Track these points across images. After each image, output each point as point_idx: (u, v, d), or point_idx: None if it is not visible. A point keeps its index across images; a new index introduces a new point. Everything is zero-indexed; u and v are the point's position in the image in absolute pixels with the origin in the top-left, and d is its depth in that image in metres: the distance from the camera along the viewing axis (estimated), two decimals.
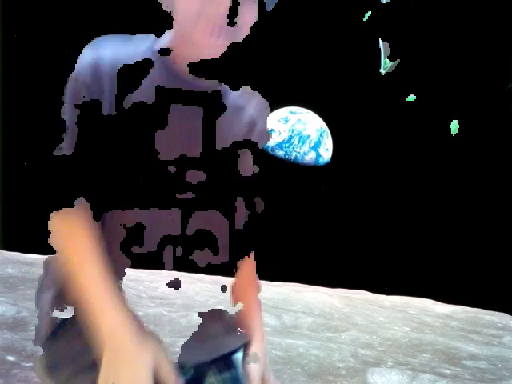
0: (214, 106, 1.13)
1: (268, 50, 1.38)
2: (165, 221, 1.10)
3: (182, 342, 1.28)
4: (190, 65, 1.05)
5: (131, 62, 1.05)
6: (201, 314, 1.22)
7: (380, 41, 1.29)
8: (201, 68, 1.05)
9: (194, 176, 1.11)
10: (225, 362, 1.22)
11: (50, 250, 1.04)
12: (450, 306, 7.65)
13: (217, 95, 1.13)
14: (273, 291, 7.16)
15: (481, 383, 3.98)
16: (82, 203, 1.02)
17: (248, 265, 1.26)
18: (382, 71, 1.27)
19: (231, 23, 1.00)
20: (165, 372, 0.93)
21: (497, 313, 7.25)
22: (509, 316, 7.08)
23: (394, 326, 5.72)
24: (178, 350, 1.32)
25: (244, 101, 1.19)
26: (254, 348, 1.19)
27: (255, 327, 1.23)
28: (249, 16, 1.02)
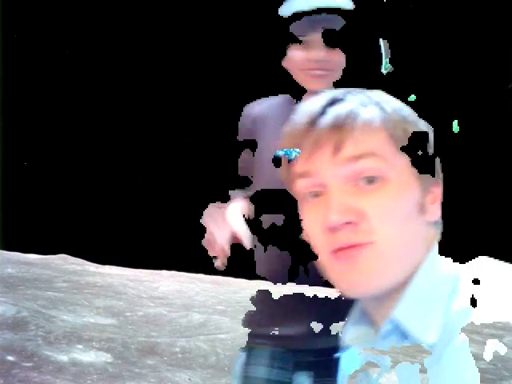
0: None
1: (268, 50, 1.42)
2: None
3: (182, 342, 1.26)
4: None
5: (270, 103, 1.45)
6: None
7: (381, 40, 1.32)
8: None
9: None
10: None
11: (50, 251, 1.06)
12: None
13: None
14: (273, 292, 7.14)
15: (481, 383, 3.97)
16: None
17: None
18: (383, 71, 1.28)
19: (324, 70, 1.33)
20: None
21: None
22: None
23: None
24: (178, 349, 1.31)
25: None
26: None
27: None
28: (339, 61, 1.35)
